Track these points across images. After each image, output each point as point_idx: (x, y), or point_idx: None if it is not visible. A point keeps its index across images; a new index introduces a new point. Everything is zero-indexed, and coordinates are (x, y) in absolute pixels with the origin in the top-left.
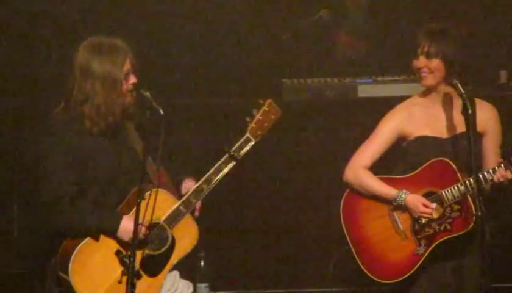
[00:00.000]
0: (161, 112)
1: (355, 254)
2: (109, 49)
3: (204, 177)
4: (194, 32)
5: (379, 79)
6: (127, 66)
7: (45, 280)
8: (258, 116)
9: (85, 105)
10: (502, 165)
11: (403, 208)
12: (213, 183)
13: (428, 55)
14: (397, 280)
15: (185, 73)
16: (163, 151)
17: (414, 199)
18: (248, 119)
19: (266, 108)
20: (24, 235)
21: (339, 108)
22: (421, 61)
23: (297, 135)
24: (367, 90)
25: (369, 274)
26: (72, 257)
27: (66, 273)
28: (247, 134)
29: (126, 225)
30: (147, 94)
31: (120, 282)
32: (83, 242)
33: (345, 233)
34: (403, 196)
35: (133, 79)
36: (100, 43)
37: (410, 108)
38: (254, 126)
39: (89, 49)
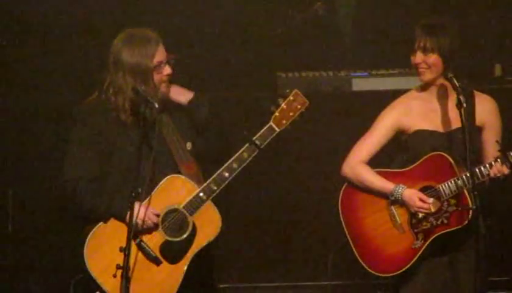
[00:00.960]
0: (156, 106)
1: (353, 247)
2: (139, 40)
3: (226, 165)
4: (188, 26)
5: (373, 72)
6: (159, 57)
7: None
8: (282, 105)
9: (118, 97)
10: (499, 160)
11: (400, 202)
12: (235, 171)
13: (425, 50)
14: (394, 274)
15: (179, 68)
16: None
17: (411, 194)
18: (273, 108)
19: (291, 98)
20: (19, 230)
21: (333, 101)
22: (418, 57)
23: (292, 129)
24: (361, 83)
25: (367, 268)
26: (87, 241)
27: (82, 256)
28: (271, 123)
29: (135, 211)
30: (142, 88)
31: (114, 274)
32: (98, 225)
33: (344, 227)
34: (400, 190)
35: (167, 70)
36: (132, 34)
37: (408, 102)
38: (278, 114)
39: (121, 40)
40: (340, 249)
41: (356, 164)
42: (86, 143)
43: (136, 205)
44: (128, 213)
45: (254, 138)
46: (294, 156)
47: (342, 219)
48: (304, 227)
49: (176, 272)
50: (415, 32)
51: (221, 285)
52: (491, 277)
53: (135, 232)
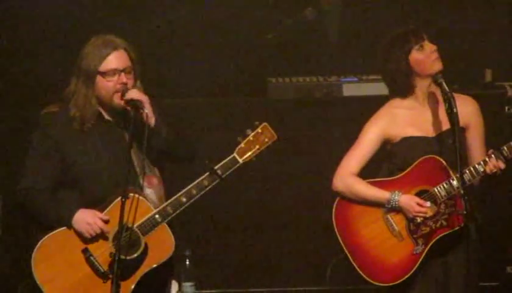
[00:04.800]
0: (146, 111)
1: (352, 261)
2: (97, 45)
3: (184, 190)
4: (178, 31)
5: (364, 77)
6: (113, 64)
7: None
8: (249, 137)
9: (71, 103)
10: (493, 156)
11: (398, 210)
12: (193, 197)
13: (429, 39)
14: (398, 282)
15: (170, 73)
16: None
17: (408, 200)
18: (239, 138)
19: (260, 131)
20: (9, 236)
21: (324, 107)
22: (431, 45)
23: (282, 134)
24: (352, 88)
25: (369, 280)
26: (36, 247)
27: (30, 263)
28: (234, 154)
29: (81, 215)
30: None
31: (105, 282)
32: (50, 234)
33: (340, 241)
34: (396, 197)
35: (121, 79)
36: (93, 41)
37: (393, 110)
38: (243, 146)
39: (86, 46)
40: (338, 262)
41: (347, 177)
42: (44, 154)
43: (81, 209)
44: (75, 216)
45: (216, 167)
46: (285, 161)
47: (337, 233)
48: (291, 230)
49: (123, 290)
50: (407, 34)
51: (217, 291)
52: (481, 282)
53: (85, 246)
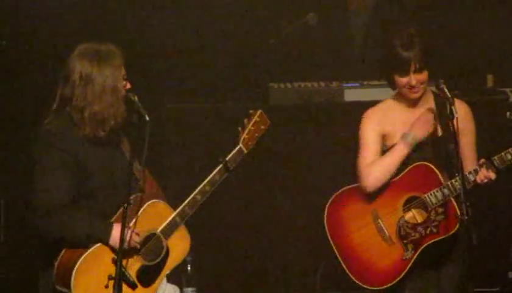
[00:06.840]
0: (147, 118)
1: (342, 264)
2: (107, 55)
3: (199, 188)
4: (181, 37)
5: (366, 83)
6: (123, 71)
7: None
8: (249, 127)
9: (86, 113)
10: (484, 166)
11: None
12: (207, 194)
13: (417, 70)
14: (387, 286)
15: (172, 77)
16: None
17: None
18: (240, 129)
19: (258, 119)
20: (10, 241)
21: (325, 112)
22: (413, 79)
23: (284, 140)
24: (353, 94)
25: (359, 283)
26: (74, 271)
27: (68, 287)
28: (240, 145)
29: (118, 233)
30: (135, 98)
31: (107, 286)
32: (84, 255)
33: (331, 244)
34: (411, 136)
35: (128, 85)
36: (97, 50)
37: (384, 110)
38: (246, 136)
39: (87, 56)
40: (329, 265)
41: (369, 168)
42: (60, 169)
43: (116, 226)
44: (111, 235)
45: (226, 160)
46: (286, 167)
47: (329, 236)
48: (295, 236)
49: None
50: (399, 52)
51: None
52: (482, 288)
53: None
